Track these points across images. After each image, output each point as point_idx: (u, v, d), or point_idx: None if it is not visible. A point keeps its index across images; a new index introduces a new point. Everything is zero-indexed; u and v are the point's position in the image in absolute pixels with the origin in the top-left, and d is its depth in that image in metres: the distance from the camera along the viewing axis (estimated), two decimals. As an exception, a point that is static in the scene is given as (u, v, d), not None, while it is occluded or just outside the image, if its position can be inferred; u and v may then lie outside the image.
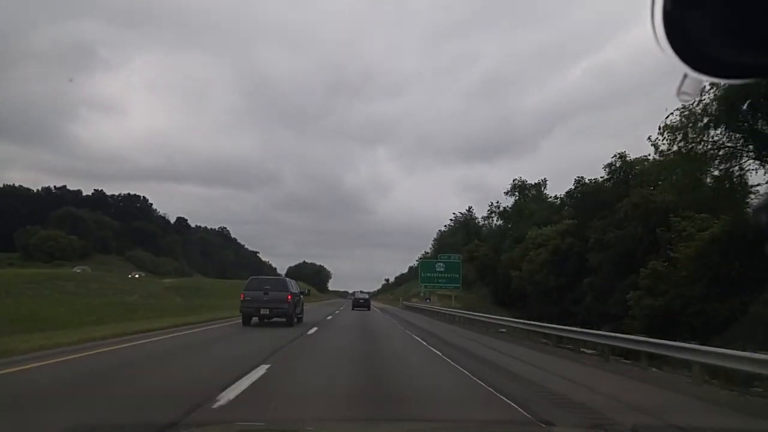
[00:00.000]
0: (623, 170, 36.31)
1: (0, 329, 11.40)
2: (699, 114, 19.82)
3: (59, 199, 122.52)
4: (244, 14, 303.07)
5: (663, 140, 21.97)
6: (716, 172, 21.81)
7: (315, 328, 18.64)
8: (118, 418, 5.13)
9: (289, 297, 19.66)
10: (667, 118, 21.20)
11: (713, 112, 19.30)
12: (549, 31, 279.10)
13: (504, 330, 20.35)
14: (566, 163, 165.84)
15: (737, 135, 20.61)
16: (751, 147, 20.62)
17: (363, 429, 4.59)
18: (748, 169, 21.20)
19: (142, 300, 45.55)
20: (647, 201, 29.88)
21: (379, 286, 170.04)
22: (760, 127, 19.93)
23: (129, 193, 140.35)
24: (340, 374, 9.06)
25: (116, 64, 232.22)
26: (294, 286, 22.09)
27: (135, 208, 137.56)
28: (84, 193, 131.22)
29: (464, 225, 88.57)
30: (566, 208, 48.09)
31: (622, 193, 34.39)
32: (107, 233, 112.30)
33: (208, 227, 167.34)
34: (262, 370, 8.41)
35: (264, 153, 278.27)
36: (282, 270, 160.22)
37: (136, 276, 65.86)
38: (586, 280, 35.76)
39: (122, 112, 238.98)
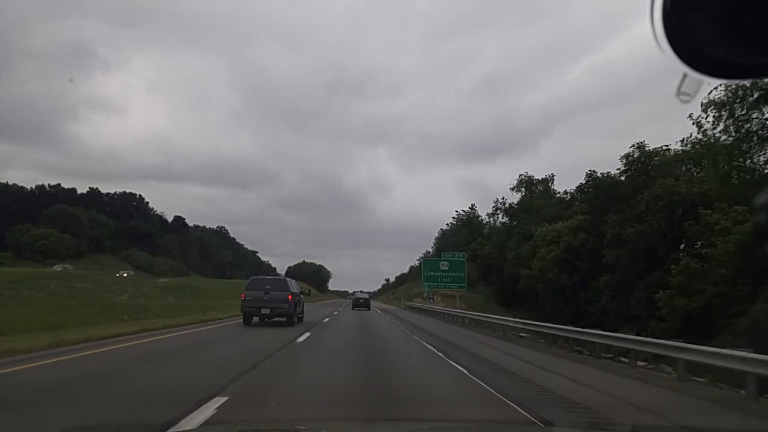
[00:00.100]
0: (642, 161, 34.02)
1: None
2: (748, 88, 17.41)
3: (53, 197, 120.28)
4: (243, 13, 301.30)
5: (706, 118, 19.41)
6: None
7: (307, 334, 16.03)
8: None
9: (290, 297, 19.64)
10: (710, 93, 18.80)
11: (765, 85, 16.94)
12: (549, 30, 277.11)
13: (525, 335, 18.09)
14: (567, 163, 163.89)
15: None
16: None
17: (363, 429, 4.57)
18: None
19: (131, 300, 43.40)
20: (671, 193, 27.61)
21: (379, 286, 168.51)
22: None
23: (125, 191, 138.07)
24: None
25: (115, 64, 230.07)
26: (294, 286, 22.00)
27: (131, 206, 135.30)
28: (79, 192, 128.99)
29: (467, 223, 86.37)
30: (577, 203, 45.80)
31: (641, 185, 32.12)
32: (102, 232, 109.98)
33: (207, 226, 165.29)
34: (207, 410, 5.57)
35: (264, 152, 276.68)
36: (281, 270, 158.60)
37: (124, 275, 63.43)
38: (602, 279, 33.52)
39: (121, 111, 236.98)
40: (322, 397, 6.99)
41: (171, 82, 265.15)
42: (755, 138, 18.65)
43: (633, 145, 34.21)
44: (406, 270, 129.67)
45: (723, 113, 18.45)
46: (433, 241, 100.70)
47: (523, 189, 62.44)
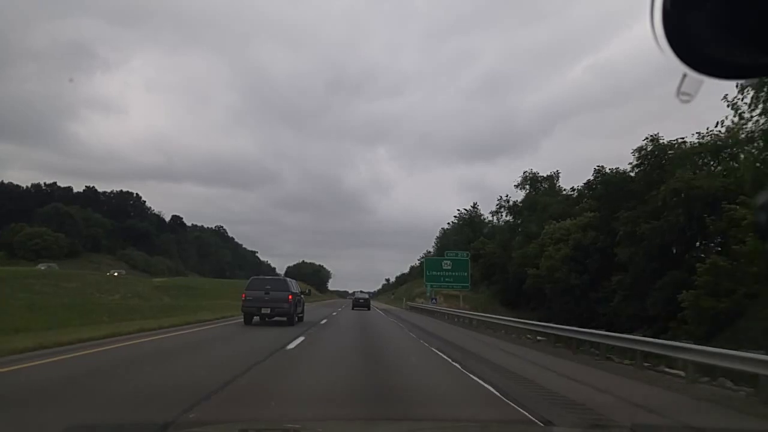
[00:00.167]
0: (656, 154, 32.41)
1: None
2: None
3: (49, 196, 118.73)
4: (243, 13, 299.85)
5: (743, 99, 17.68)
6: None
7: (301, 338, 14.23)
8: None
9: (290, 297, 19.73)
10: None
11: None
12: (549, 30, 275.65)
13: (543, 338, 16.48)
14: (567, 162, 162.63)
15: None
16: None
17: (363, 429, 4.43)
18: None
19: (122, 300, 41.86)
20: (690, 186, 26.02)
21: (379, 286, 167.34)
22: None
23: (122, 190, 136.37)
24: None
25: (115, 63, 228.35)
26: (295, 286, 22.01)
27: (128, 205, 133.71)
28: (75, 190, 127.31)
29: (469, 222, 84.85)
30: (585, 200, 44.22)
31: (656, 179, 30.56)
32: (98, 231, 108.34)
33: (205, 226, 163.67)
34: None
35: (263, 152, 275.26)
36: (281, 269, 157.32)
37: (115, 274, 61.75)
38: (614, 278, 31.93)
39: (121, 111, 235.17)
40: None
41: (171, 81, 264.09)
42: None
43: (646, 138, 32.62)
44: (406, 270, 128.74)
45: (762, 93, 16.76)
46: (434, 240, 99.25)
47: (527, 186, 60.80)
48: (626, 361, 12.20)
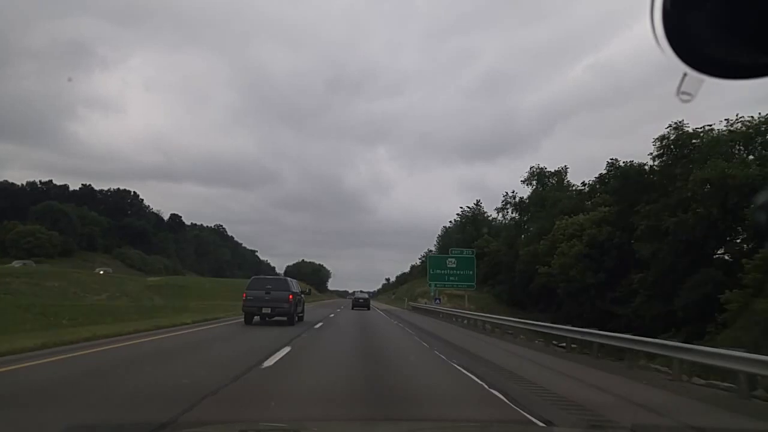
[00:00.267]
0: (679, 144, 29.99)
1: None
2: None
3: (45, 194, 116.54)
4: (243, 12, 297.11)
5: None
6: None
7: (287, 348, 11.50)
8: None
9: (291, 297, 19.82)
10: None
11: None
12: (550, 29, 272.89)
13: (574, 346, 14.00)
14: (567, 162, 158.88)
15: None
16: None
17: (363, 429, 4.47)
18: None
19: (107, 301, 39.50)
20: (724, 176, 23.59)
21: (379, 286, 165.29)
22: None
23: (119, 188, 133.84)
24: None
25: (114, 62, 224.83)
26: (295, 285, 22.13)
27: (125, 204, 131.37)
28: (71, 188, 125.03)
29: (472, 220, 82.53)
30: (598, 194, 41.83)
31: (683, 170, 28.14)
32: (94, 230, 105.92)
33: (204, 225, 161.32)
34: None
35: (263, 151, 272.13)
36: (280, 269, 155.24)
37: (101, 272, 59.29)
38: (636, 276, 29.53)
39: (120, 110, 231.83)
40: None
41: (170, 80, 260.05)
42: None
43: (669, 126, 30.22)
44: (406, 269, 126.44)
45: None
46: (436, 239, 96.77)
47: (534, 182, 58.39)
48: (669, 373, 9.86)
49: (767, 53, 1.10)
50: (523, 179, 59.07)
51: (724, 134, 27.91)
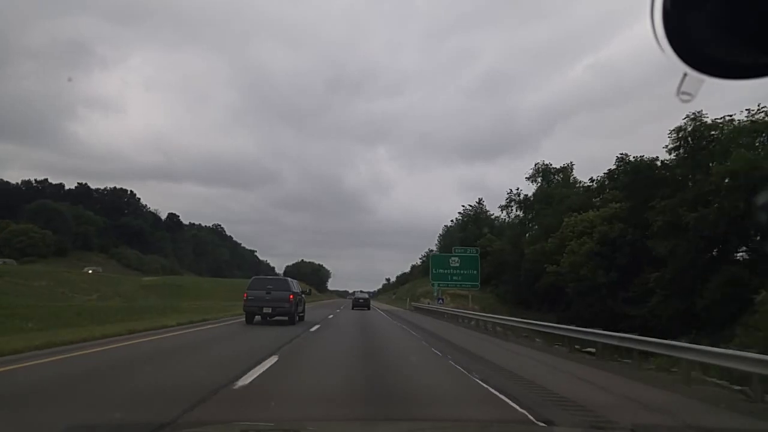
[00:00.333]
0: (697, 136, 28.49)
1: None
2: None
3: (40, 193, 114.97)
4: (243, 11, 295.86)
5: None
6: None
7: (274, 358, 9.88)
8: None
9: (291, 296, 19.96)
10: None
11: None
12: (550, 29, 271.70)
13: (591, 349, 12.37)
14: (567, 161, 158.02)
15: None
16: None
17: (363, 429, 4.46)
18: None
19: (99, 301, 38.03)
20: (752, 167, 22.08)
21: (380, 286, 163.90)
22: None
23: (116, 187, 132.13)
24: None
25: (113, 62, 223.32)
26: (296, 285, 22.28)
27: (122, 203, 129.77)
28: (67, 187, 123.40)
29: (474, 219, 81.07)
30: (608, 190, 40.31)
31: (700, 161, 26.65)
32: (89, 229, 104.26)
33: (202, 224, 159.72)
34: None
35: (263, 151, 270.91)
36: (280, 269, 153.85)
37: (89, 271, 57.76)
38: (652, 275, 27.99)
39: (120, 110, 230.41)
40: None
41: (170, 80, 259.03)
42: None
43: (686, 116, 28.69)
44: (407, 269, 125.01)
45: None
46: (437, 238, 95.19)
47: (539, 179, 56.87)
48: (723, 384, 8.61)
49: (767, 53, 1.09)
50: (527, 176, 57.61)
51: (746, 125, 26.43)
